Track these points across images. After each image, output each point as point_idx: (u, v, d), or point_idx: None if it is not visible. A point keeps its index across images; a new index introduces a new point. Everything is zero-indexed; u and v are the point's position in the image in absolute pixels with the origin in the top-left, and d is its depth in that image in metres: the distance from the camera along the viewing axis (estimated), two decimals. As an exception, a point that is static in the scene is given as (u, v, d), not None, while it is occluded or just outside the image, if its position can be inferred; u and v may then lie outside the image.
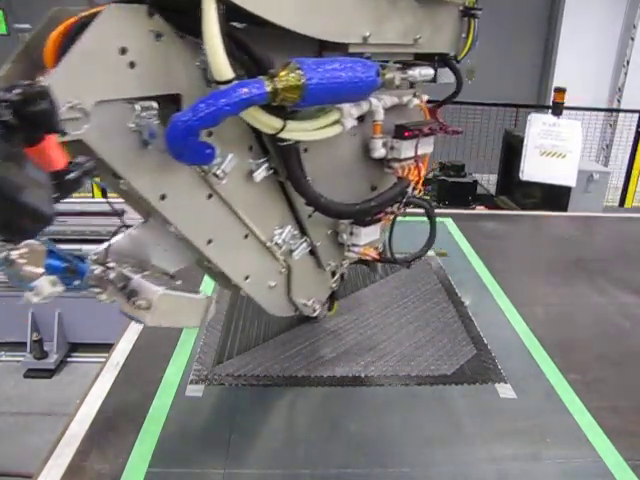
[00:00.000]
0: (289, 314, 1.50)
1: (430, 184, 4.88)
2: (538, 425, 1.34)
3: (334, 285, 1.58)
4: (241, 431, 1.29)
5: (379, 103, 1.30)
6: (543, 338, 1.70)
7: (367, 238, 1.45)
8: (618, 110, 6.86)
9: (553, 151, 3.86)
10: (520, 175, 3.96)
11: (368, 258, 1.49)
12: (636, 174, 5.95)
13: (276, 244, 1.29)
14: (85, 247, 4.00)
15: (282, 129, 1.06)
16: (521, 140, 4.03)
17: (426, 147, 1.44)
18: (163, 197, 1.03)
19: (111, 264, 1.04)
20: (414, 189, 1.45)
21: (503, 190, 5.00)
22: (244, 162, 1.15)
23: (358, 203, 1.36)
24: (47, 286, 0.91)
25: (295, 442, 1.27)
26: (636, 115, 5.77)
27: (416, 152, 1.39)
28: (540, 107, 6.89)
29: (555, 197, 4.17)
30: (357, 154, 1.39)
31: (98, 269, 1.03)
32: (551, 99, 4.31)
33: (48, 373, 3.67)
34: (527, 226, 2.85)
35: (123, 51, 0.86)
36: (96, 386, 1.39)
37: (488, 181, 5.32)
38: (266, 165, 1.19)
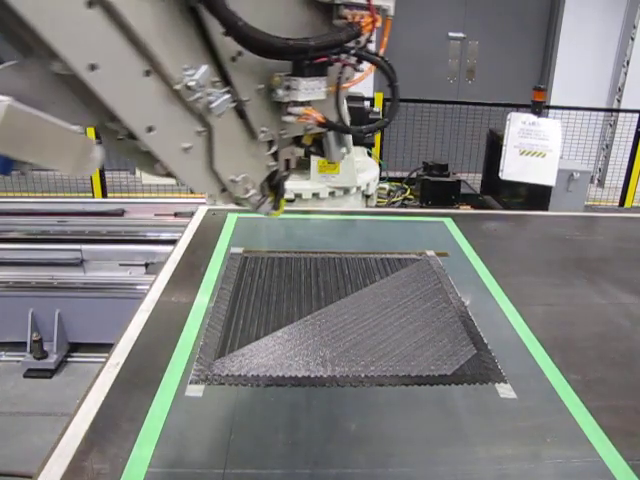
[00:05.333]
0: (212, 191, 1.21)
1: (414, 183, 4.89)
2: (538, 425, 1.34)
3: (272, 164, 1.30)
4: (241, 431, 1.29)
5: None
6: (543, 338, 1.70)
7: (308, 94, 1.16)
8: (618, 110, 6.86)
9: (533, 150, 3.85)
10: (500, 174, 3.98)
11: (310, 122, 1.21)
12: (636, 174, 5.96)
13: (187, 87, 1.01)
14: (85, 247, 4.02)
15: None
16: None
17: None
18: None
19: None
20: (369, 41, 1.19)
21: (487, 189, 5.02)
22: None
23: (291, 38, 1.06)
24: None
25: (295, 442, 1.27)
26: (636, 115, 5.78)
27: None
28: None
29: (536, 196, 4.18)
30: None
31: None
32: (532, 98, 4.27)
33: (48, 373, 3.68)
34: (527, 226, 2.85)
35: None
36: (96, 386, 1.39)
37: (477, 181, 5.31)
38: None
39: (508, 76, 7.54)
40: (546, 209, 4.03)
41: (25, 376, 3.61)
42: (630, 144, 5.86)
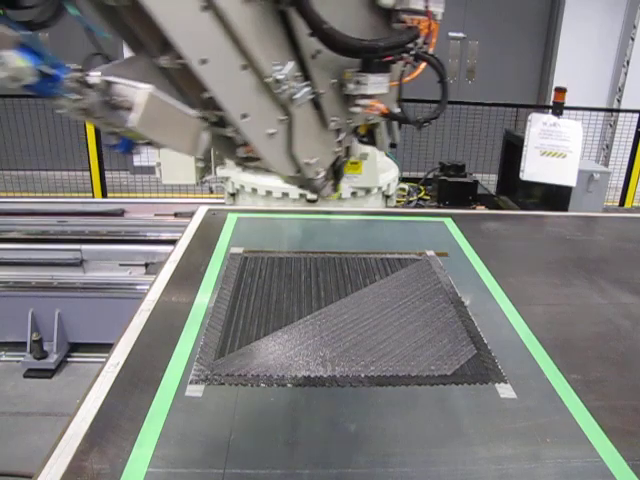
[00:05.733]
0: (289, 173, 1.42)
1: (430, 184, 4.91)
2: (538, 425, 1.34)
3: (337, 150, 1.50)
4: (241, 431, 1.29)
5: None
6: (543, 338, 1.70)
7: (375, 88, 1.36)
8: (618, 110, 6.86)
9: (553, 151, 3.87)
10: (520, 175, 3.98)
11: (375, 112, 1.41)
12: (636, 174, 5.95)
13: (276, 80, 1.19)
14: (85, 247, 4.02)
15: None
16: (521, 140, 4.04)
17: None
18: None
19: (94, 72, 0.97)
20: (425, 43, 1.39)
21: (503, 190, 5.02)
22: None
23: (364, 39, 1.27)
24: (15, 59, 0.86)
25: (295, 442, 1.27)
26: (636, 115, 5.78)
27: (427, 4, 1.32)
28: (540, 107, 6.89)
29: (556, 197, 4.18)
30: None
31: (78, 73, 0.95)
32: (551, 99, 4.33)
33: (48, 373, 3.68)
34: (527, 226, 2.85)
35: None
36: (96, 386, 1.39)
37: (488, 181, 5.34)
38: None
39: (508, 76, 7.54)
40: (566, 210, 4.02)
41: (25, 376, 3.61)
42: (630, 144, 5.86)
